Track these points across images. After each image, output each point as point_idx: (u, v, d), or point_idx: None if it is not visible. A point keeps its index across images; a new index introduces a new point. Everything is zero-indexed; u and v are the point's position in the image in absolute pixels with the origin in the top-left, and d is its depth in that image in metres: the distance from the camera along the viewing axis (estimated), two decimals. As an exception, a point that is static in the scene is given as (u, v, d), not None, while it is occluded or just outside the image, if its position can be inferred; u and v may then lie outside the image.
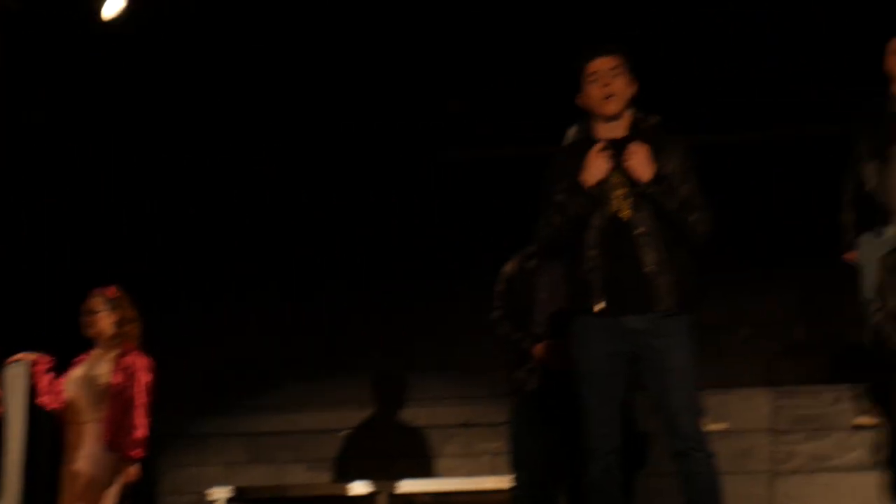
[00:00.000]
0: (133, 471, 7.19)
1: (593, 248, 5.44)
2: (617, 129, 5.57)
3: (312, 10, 9.00)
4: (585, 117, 7.25)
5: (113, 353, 7.25)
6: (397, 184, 9.29)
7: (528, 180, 6.61)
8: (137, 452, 7.16)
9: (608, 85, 5.51)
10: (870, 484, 7.20)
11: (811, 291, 8.52)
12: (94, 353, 7.34)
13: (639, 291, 5.41)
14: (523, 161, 8.16)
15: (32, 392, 7.26)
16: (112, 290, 7.36)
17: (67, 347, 7.38)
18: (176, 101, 9.18)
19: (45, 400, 7.27)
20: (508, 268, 6.77)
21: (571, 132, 7.57)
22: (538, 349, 6.51)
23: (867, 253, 7.14)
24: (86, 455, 7.15)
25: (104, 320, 7.30)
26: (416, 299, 8.90)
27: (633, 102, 5.61)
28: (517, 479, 6.63)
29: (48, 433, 7.42)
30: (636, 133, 5.57)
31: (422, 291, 8.90)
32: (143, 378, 7.22)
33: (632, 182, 5.46)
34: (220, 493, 8.21)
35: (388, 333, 8.91)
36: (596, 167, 5.47)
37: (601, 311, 5.42)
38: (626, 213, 5.45)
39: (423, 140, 9.28)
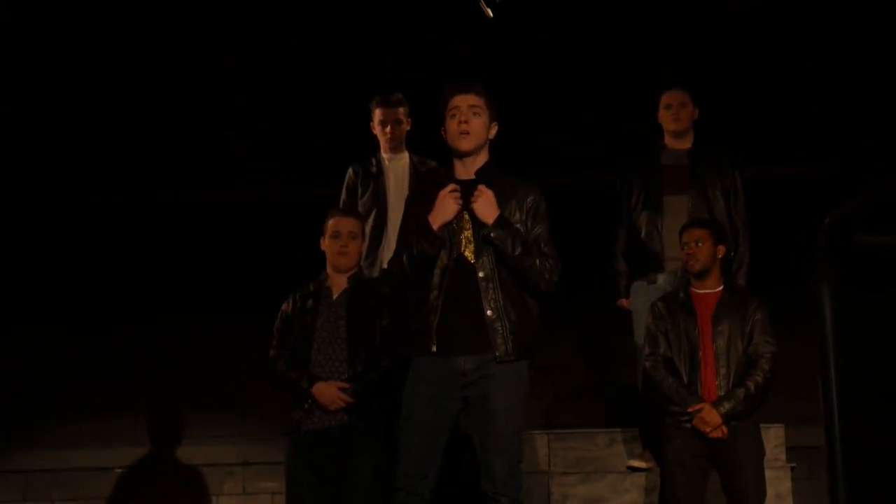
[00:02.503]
0: None
1: (435, 289, 5.44)
2: (472, 170, 5.57)
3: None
4: (369, 157, 7.25)
5: None
6: (168, 220, 9.20)
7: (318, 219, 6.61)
8: None
9: (465, 122, 5.51)
10: (643, 525, 7.32)
11: (588, 337, 8.65)
12: None
13: (474, 334, 5.41)
14: (310, 200, 8.16)
15: None
16: None
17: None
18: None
19: None
20: (286, 306, 6.71)
21: (350, 172, 7.61)
22: (316, 389, 6.45)
23: (639, 300, 7.29)
24: None
25: None
26: (195, 335, 8.79)
27: (493, 145, 5.62)
28: (292, 518, 6.56)
29: None
30: (486, 175, 5.56)
31: (200, 327, 8.79)
32: None
33: (477, 224, 5.46)
34: (-10, 531, 8.00)
35: (166, 370, 8.77)
36: (444, 208, 5.46)
37: (435, 352, 5.41)
38: (469, 255, 5.45)
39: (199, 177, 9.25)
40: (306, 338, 6.58)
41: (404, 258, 5.50)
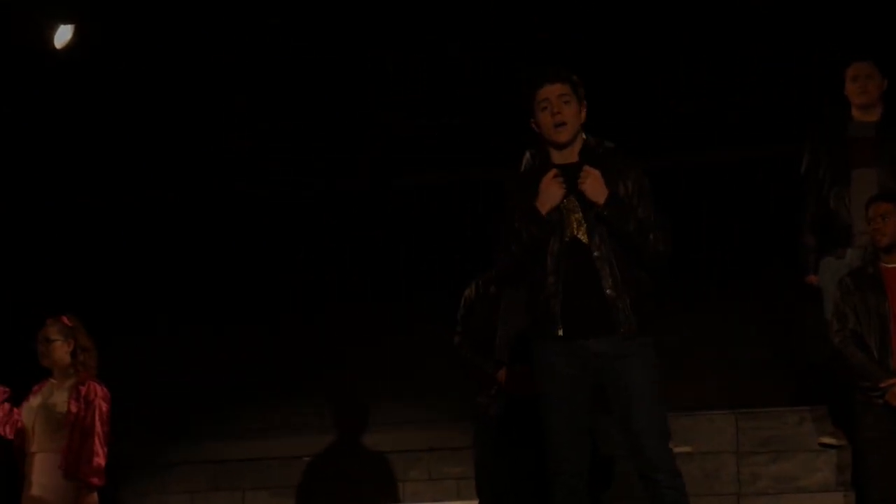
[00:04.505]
0: (92, 499, 7.11)
1: (552, 274, 5.41)
2: (571, 154, 5.54)
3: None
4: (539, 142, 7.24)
5: (69, 382, 7.19)
6: (350, 208, 9.33)
7: (486, 204, 6.62)
8: (96, 480, 7.09)
9: (558, 113, 5.47)
10: (836, 504, 7.22)
11: (773, 313, 8.53)
12: (51, 382, 7.27)
13: (599, 314, 5.38)
14: (480, 185, 8.19)
15: (-10, 423, 7.18)
16: (67, 319, 7.29)
17: (23, 377, 7.30)
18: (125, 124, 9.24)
19: (3, 430, 7.19)
20: (469, 292, 6.74)
21: (527, 156, 7.61)
22: (500, 374, 6.47)
23: (828, 275, 7.16)
24: (44, 484, 7.08)
25: (60, 349, 7.22)
26: (379, 323, 8.88)
27: (585, 126, 5.58)
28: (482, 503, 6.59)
29: (5, 463, 7.32)
30: (588, 156, 5.53)
31: (383, 315, 8.88)
32: (101, 407, 7.15)
33: (587, 205, 5.43)
34: (184, 520, 8.18)
35: (351, 358, 8.87)
36: (550, 193, 5.44)
37: (562, 336, 5.40)
38: (582, 236, 5.43)
39: (376, 165, 9.35)
40: (489, 323, 6.60)
41: (514, 248, 5.47)
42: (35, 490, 7.09)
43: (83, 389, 7.14)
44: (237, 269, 9.35)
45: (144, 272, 9.36)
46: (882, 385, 6.51)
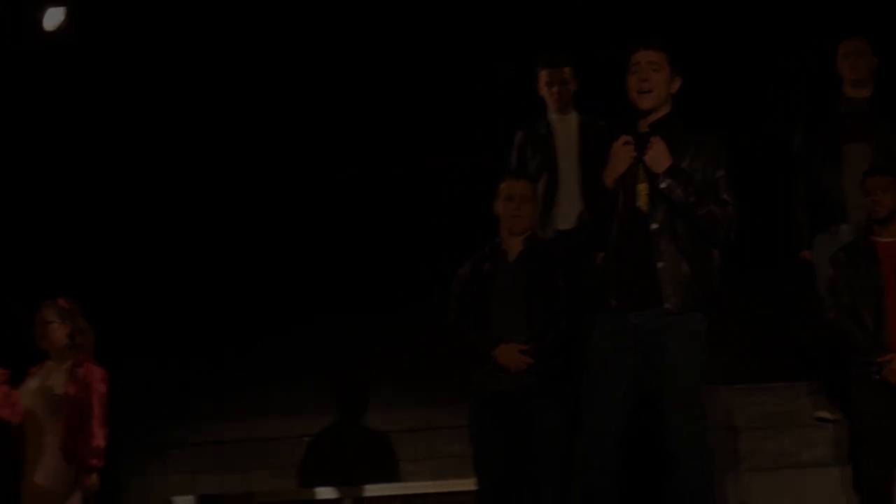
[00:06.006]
0: (92, 480, 7.12)
1: (612, 244, 5.42)
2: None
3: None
4: (530, 122, 7.21)
5: (66, 364, 7.20)
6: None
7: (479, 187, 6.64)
8: (95, 462, 7.10)
9: (646, 80, 5.44)
10: (833, 479, 7.20)
11: (768, 289, 8.53)
12: (48, 364, 7.28)
13: (647, 287, 5.36)
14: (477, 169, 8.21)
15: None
16: (63, 301, 7.30)
17: (21, 359, 7.31)
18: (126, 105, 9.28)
19: (3, 413, 7.19)
20: (463, 270, 6.74)
21: (518, 136, 7.62)
22: (498, 351, 6.46)
23: (822, 251, 7.18)
24: (44, 467, 7.09)
25: (57, 331, 7.23)
26: (374, 303, 8.91)
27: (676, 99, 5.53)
28: (480, 481, 6.60)
29: (5, 446, 7.34)
30: (661, 126, 5.47)
31: (379, 295, 8.90)
32: (99, 388, 7.16)
33: (652, 176, 5.39)
34: (184, 501, 8.21)
35: (348, 338, 8.90)
36: (616, 162, 5.42)
37: (615, 307, 5.39)
38: (644, 207, 5.39)
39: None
40: (485, 301, 6.60)
41: (586, 217, 5.53)
42: (35, 473, 7.10)
43: (80, 371, 7.15)
44: (238, 256, 9.40)
45: (145, 253, 9.43)
46: (879, 360, 6.49)
